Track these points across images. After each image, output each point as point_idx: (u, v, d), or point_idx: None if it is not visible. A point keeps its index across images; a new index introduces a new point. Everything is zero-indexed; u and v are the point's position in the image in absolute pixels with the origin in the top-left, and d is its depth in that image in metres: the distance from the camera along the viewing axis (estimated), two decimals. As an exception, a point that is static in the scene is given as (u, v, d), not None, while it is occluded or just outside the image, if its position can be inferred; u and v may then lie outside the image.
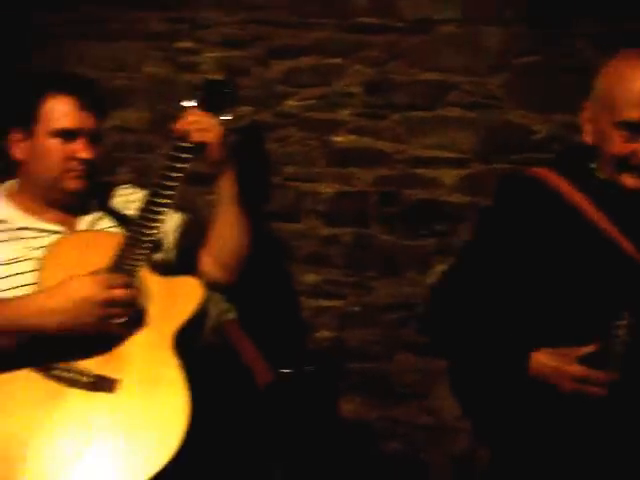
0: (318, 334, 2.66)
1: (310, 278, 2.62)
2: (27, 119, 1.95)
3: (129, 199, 2.12)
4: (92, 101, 1.98)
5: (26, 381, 1.62)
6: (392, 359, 2.64)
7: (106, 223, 2.02)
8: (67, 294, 1.63)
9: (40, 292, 1.69)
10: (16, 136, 1.97)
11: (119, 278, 1.71)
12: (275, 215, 2.61)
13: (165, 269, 1.94)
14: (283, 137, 2.55)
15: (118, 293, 1.67)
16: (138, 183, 2.33)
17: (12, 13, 2.65)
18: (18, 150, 1.98)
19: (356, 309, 2.63)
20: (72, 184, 1.95)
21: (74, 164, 1.94)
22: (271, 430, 1.98)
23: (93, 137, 1.98)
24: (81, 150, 1.93)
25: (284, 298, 2.63)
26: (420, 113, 2.50)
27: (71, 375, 1.63)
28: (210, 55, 2.54)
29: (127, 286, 1.71)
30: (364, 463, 2.61)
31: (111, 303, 1.65)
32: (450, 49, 2.47)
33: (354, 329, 2.64)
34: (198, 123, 1.97)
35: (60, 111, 1.93)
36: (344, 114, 2.52)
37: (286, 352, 2.42)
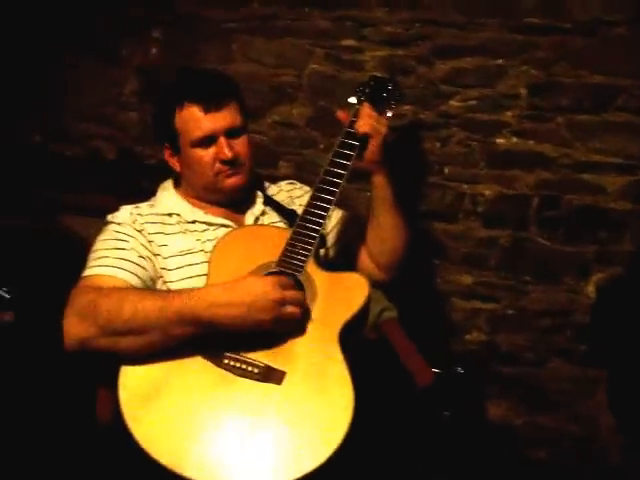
0: (469, 336, 2.64)
1: (465, 279, 2.61)
2: (169, 136, 2.01)
3: (293, 194, 2.17)
4: (219, 97, 1.96)
5: (199, 368, 1.68)
6: (544, 366, 2.59)
7: (272, 217, 2.08)
8: (243, 290, 1.67)
9: (216, 285, 1.73)
10: (167, 152, 2.05)
11: (290, 281, 1.75)
12: (433, 215, 2.60)
13: (327, 265, 1.97)
14: (444, 137, 2.53)
15: (290, 294, 1.70)
16: (299, 178, 2.38)
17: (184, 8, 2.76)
18: (173, 163, 2.05)
19: (510, 313, 2.59)
20: (227, 183, 1.99)
21: (221, 166, 1.97)
22: (428, 431, 1.97)
23: (233, 132, 1.98)
24: (222, 152, 1.95)
25: (437, 298, 2.62)
26: (586, 117, 2.42)
27: (241, 365, 1.67)
28: (374, 54, 2.55)
29: (297, 287, 1.74)
30: (508, 468, 2.58)
31: (284, 303, 1.68)
32: (620, 52, 2.37)
33: (506, 333, 2.61)
34: (368, 119, 1.97)
35: (190, 121, 1.95)
36: (507, 116, 2.47)
37: (437, 352, 2.42)
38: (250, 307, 1.65)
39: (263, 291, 1.66)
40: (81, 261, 1.90)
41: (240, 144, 1.99)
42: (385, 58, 2.53)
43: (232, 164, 1.97)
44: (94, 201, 2.76)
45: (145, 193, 2.13)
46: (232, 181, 1.99)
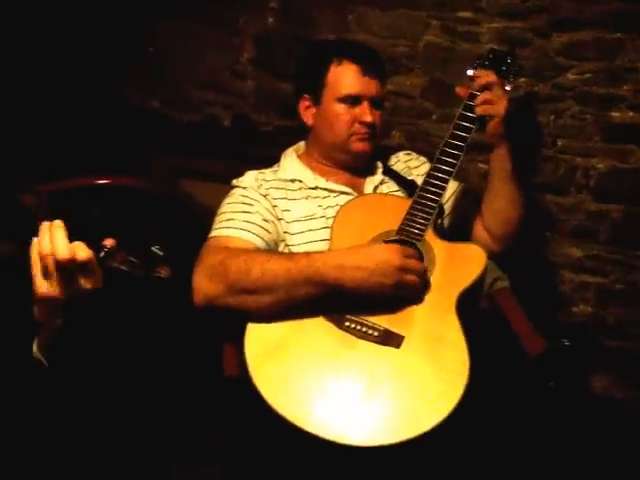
0: (576, 309, 2.65)
1: (574, 252, 2.61)
2: (314, 86, 2.08)
3: (410, 165, 2.22)
4: (375, 67, 2.07)
5: (321, 328, 1.76)
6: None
7: (390, 187, 2.13)
8: (369, 254, 1.74)
9: (342, 249, 1.81)
10: (305, 102, 2.12)
11: (411, 250, 1.81)
12: (544, 187, 2.61)
13: (443, 234, 2.02)
14: (559, 110, 2.53)
15: (412, 263, 1.76)
16: (411, 148, 2.43)
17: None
18: (308, 115, 2.12)
19: (618, 287, 2.59)
20: (358, 146, 2.07)
21: (359, 127, 2.05)
22: (533, 401, 2.00)
23: (376, 102, 2.07)
24: (365, 114, 2.04)
25: (546, 270, 2.64)
26: None
27: (361, 328, 1.75)
28: (490, 25, 2.55)
29: (420, 266, 1.79)
30: (609, 441, 2.59)
31: (405, 270, 1.73)
32: None
33: (614, 307, 2.61)
34: (488, 94, 1.99)
35: (345, 77, 2.04)
36: (624, 90, 2.45)
37: (544, 324, 2.44)
38: (373, 272, 1.71)
39: (387, 258, 1.72)
40: (201, 224, 2.00)
41: (378, 115, 2.08)
42: (501, 30, 2.54)
43: (368, 129, 2.05)
44: (210, 167, 2.88)
45: (261, 159, 2.22)
46: (362, 145, 2.07)
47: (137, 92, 3.19)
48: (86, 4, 3.09)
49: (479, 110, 1.99)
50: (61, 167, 2.77)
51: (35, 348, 1.44)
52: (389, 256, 1.73)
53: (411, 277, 1.75)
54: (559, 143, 2.56)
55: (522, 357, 1.98)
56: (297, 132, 2.23)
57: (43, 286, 1.31)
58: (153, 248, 1.35)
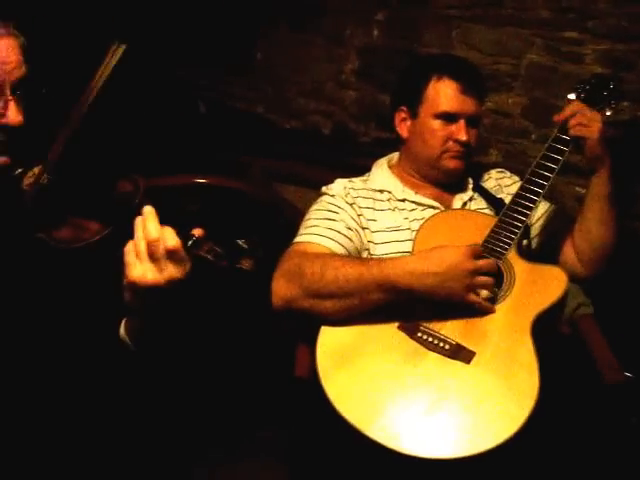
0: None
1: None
2: (413, 99, 2.09)
3: (503, 183, 2.20)
4: (474, 86, 2.07)
5: (394, 337, 1.77)
6: None
7: (479, 204, 2.13)
8: (439, 259, 1.74)
9: (413, 255, 1.84)
10: (402, 114, 2.13)
11: (481, 250, 1.81)
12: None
13: (528, 255, 2.00)
14: (664, 136, 2.47)
15: (484, 264, 1.76)
16: (506, 166, 2.40)
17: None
18: (403, 127, 2.14)
19: None
20: (450, 163, 2.08)
21: (453, 145, 2.05)
22: (612, 434, 1.95)
23: (472, 120, 2.07)
24: (460, 132, 2.04)
25: (635, 300, 2.56)
26: None
27: (433, 340, 1.76)
28: (595, 47, 2.52)
29: (492, 265, 1.79)
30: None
31: (476, 272, 1.73)
32: None
33: None
34: (580, 117, 1.96)
35: (444, 94, 2.04)
36: None
37: (633, 356, 2.37)
38: (444, 276, 1.72)
39: (457, 260, 1.73)
40: (292, 228, 2.05)
41: (473, 134, 2.08)
42: (606, 52, 2.50)
43: (462, 147, 2.05)
44: (308, 172, 2.94)
45: (356, 169, 2.24)
46: (454, 163, 2.08)
47: (243, 97, 3.29)
48: (200, 9, 3.21)
49: (572, 131, 1.97)
50: (168, 164, 2.89)
51: (122, 330, 1.52)
52: (459, 259, 1.73)
53: (482, 279, 1.75)
54: (661, 172, 2.49)
55: (600, 386, 1.94)
56: (394, 144, 2.25)
57: (135, 271, 1.38)
58: (239, 241, 1.40)
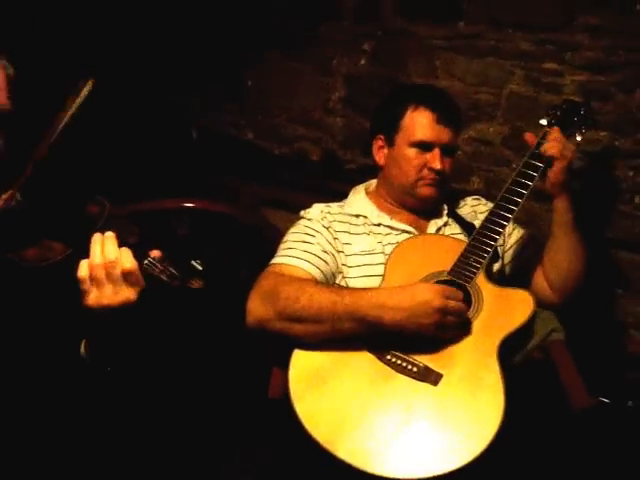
0: (644, 370, 2.59)
1: (641, 311, 2.56)
2: (390, 128, 2.14)
3: (477, 210, 2.24)
4: (450, 116, 2.11)
5: (363, 360, 1.82)
6: None
7: (453, 229, 2.17)
8: (410, 295, 1.78)
9: (385, 289, 1.88)
10: (379, 142, 2.19)
11: (456, 291, 1.83)
12: (619, 243, 2.56)
13: (498, 279, 2.04)
14: (638, 166, 2.50)
15: (454, 305, 1.79)
16: (487, 195, 2.44)
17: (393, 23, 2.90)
18: (380, 155, 2.19)
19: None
20: (425, 191, 2.12)
21: (427, 173, 2.10)
22: (581, 456, 1.97)
23: (447, 149, 2.11)
24: (435, 161, 2.08)
25: (614, 328, 2.59)
26: None
27: (402, 363, 1.79)
28: (573, 78, 2.55)
29: (463, 299, 1.83)
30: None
31: (446, 312, 1.77)
32: None
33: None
34: (553, 142, 2.00)
35: (420, 123, 2.09)
36: None
37: (606, 382, 2.40)
38: (413, 312, 1.76)
39: (427, 298, 1.76)
40: (273, 250, 2.09)
41: (448, 163, 2.12)
42: (584, 83, 2.53)
43: (437, 175, 2.09)
44: (295, 198, 2.98)
45: (342, 195, 2.29)
46: (429, 191, 2.12)
47: (234, 123, 3.35)
48: (193, 36, 3.28)
49: (547, 147, 1.99)
50: (159, 188, 2.95)
51: (82, 348, 1.57)
52: (429, 297, 1.76)
53: (451, 318, 1.78)
54: (637, 200, 2.52)
55: (568, 411, 1.96)
56: (376, 172, 2.29)
57: (91, 295, 1.43)
58: (194, 262, 1.45)
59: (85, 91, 1.52)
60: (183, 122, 3.45)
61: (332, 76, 3.07)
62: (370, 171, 2.33)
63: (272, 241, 2.57)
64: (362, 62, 2.99)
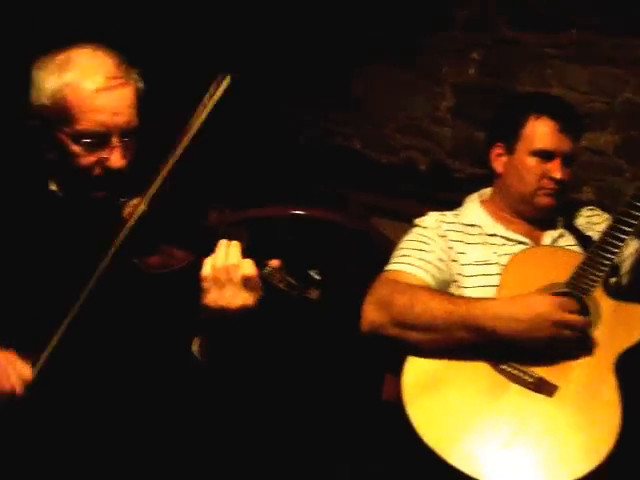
0: None
1: None
2: (510, 136, 2.14)
3: (593, 221, 2.21)
4: (572, 125, 2.10)
5: (478, 368, 1.83)
6: None
7: (568, 241, 2.14)
8: (527, 306, 1.79)
9: (502, 299, 1.88)
10: (498, 150, 2.18)
11: (575, 304, 1.82)
12: None
13: (617, 293, 2.01)
14: None
15: (572, 318, 1.78)
16: (599, 204, 2.41)
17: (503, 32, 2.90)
18: (498, 163, 2.18)
19: None
20: (543, 200, 2.11)
21: (547, 182, 2.08)
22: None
23: (567, 159, 2.09)
24: (556, 170, 2.07)
25: None
26: None
27: (516, 372, 1.80)
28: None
29: (581, 312, 1.81)
30: None
31: (563, 324, 1.77)
32: None
33: None
34: None
35: (542, 132, 2.08)
36: None
37: None
38: (529, 324, 1.77)
39: (545, 310, 1.77)
40: (384, 259, 2.13)
41: (567, 173, 2.11)
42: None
43: (557, 185, 2.08)
44: (403, 207, 3.02)
45: (450, 203, 2.30)
46: (547, 200, 2.11)
47: (341, 132, 3.41)
48: (301, 46, 3.35)
49: None
50: (267, 196, 3.03)
51: (195, 347, 1.65)
52: (547, 309, 1.77)
53: (567, 332, 1.77)
54: None
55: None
56: (487, 180, 2.30)
57: (210, 296, 1.51)
58: (311, 272, 1.51)
59: (223, 88, 1.57)
60: (291, 130, 3.53)
61: (440, 85, 3.09)
62: (479, 180, 2.34)
63: (381, 249, 2.62)
64: (471, 71, 3.01)
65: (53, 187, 1.73)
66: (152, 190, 1.58)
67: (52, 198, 1.73)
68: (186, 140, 1.59)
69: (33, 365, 1.55)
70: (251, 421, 1.99)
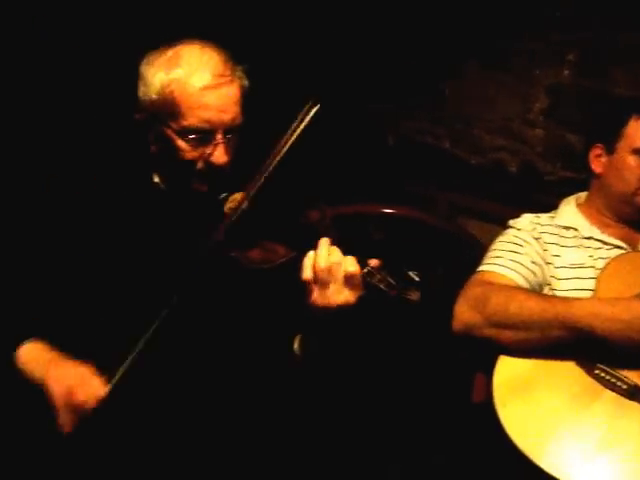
0: None
1: None
2: (610, 135, 2.12)
3: None
4: None
5: (570, 372, 1.82)
6: None
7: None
8: (626, 308, 1.77)
9: (600, 299, 1.86)
10: (597, 151, 2.16)
11: None
12: None
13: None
14: None
15: None
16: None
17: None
18: (597, 163, 2.16)
19: None
20: None
21: None
22: None
23: None
24: None
25: None
26: None
27: (611, 378, 1.78)
28: None
29: None
30: None
31: None
32: None
33: None
34: None
35: None
36: None
37: None
38: (629, 325, 1.74)
39: None
40: (473, 260, 2.13)
41: None
42: None
43: None
44: (492, 209, 3.00)
45: (541, 206, 2.28)
46: None
47: (431, 131, 3.40)
48: (392, 45, 3.36)
49: None
50: (355, 194, 3.05)
51: (296, 345, 1.68)
52: None
53: None
54: None
55: None
56: (580, 184, 2.28)
57: (312, 294, 1.54)
58: (410, 272, 1.52)
59: (310, 115, 1.62)
60: (380, 129, 3.54)
61: (533, 87, 3.06)
62: (571, 183, 2.32)
63: (469, 250, 2.62)
64: (566, 73, 2.96)
65: (156, 180, 1.79)
66: (254, 187, 1.62)
67: (155, 191, 1.78)
68: (279, 154, 1.63)
69: (116, 369, 1.54)
70: (343, 418, 2.01)
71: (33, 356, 1.62)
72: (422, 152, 3.42)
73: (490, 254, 2.09)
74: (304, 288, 1.55)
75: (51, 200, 1.75)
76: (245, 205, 1.62)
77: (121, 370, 1.53)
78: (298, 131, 1.61)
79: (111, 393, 1.53)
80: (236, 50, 1.74)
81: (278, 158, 1.62)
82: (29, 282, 1.69)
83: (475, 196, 3.18)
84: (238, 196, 1.66)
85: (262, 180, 1.62)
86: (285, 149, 1.62)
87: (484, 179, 3.22)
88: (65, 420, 1.53)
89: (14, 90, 2.61)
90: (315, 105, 1.62)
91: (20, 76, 2.64)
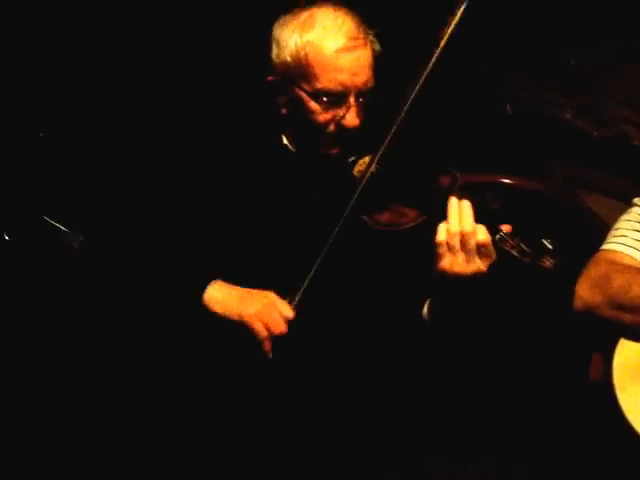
0: None
1: None
2: None
3: None
4: None
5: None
6: None
7: None
8: None
9: None
10: None
11: None
12: None
13: None
14: None
15: None
16: None
17: None
18: None
19: None
20: None
21: None
22: None
23: None
24: None
25: None
26: None
27: None
28: None
29: None
30: None
31: None
32: None
33: None
34: None
35: None
36: None
37: None
38: None
39: None
40: (593, 236, 2.08)
41: None
42: None
43: None
44: (612, 183, 2.92)
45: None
46: None
47: (552, 101, 3.31)
48: (516, 12, 3.27)
49: None
50: (472, 162, 3.01)
51: (425, 309, 1.69)
52: None
53: None
54: None
55: None
56: None
57: (444, 261, 1.55)
58: (544, 240, 1.50)
59: (459, 13, 1.59)
60: (498, 97, 3.47)
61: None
62: None
63: (587, 225, 2.56)
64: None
65: (285, 142, 1.82)
66: (383, 149, 1.63)
67: (285, 153, 1.81)
68: (411, 94, 1.61)
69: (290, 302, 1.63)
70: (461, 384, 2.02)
71: (222, 295, 1.68)
72: (541, 121, 3.34)
73: (614, 232, 2.03)
74: (436, 253, 1.56)
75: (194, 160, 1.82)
76: (373, 167, 1.64)
77: (300, 292, 1.62)
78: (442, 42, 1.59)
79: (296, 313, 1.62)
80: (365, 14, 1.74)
81: (405, 111, 1.61)
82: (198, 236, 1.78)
83: (597, 170, 3.09)
84: (367, 159, 1.68)
85: (389, 141, 1.62)
86: (415, 93, 1.60)
87: (607, 152, 3.12)
88: (267, 347, 1.62)
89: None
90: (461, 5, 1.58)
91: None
